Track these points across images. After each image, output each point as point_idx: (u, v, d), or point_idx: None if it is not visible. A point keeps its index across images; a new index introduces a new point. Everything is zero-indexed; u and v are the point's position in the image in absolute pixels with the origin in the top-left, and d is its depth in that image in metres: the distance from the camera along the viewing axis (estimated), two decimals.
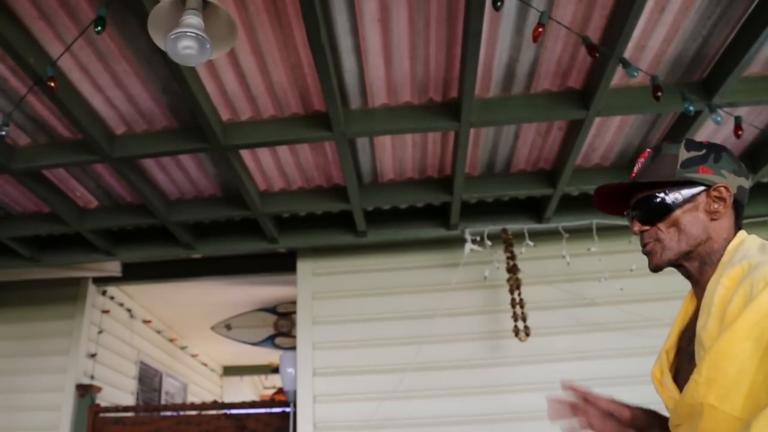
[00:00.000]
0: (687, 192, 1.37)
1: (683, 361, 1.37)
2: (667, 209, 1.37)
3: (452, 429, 3.76)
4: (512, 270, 3.71)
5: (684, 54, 2.74)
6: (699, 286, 1.38)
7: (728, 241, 1.35)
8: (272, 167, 3.43)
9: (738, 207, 1.38)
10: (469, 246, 3.75)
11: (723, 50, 2.70)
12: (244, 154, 3.24)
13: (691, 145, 1.40)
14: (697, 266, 1.37)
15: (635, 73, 2.41)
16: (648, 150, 1.45)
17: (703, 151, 1.39)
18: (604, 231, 3.76)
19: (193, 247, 4.04)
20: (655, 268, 1.41)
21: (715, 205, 1.35)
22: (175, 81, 2.49)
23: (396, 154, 3.34)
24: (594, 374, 3.74)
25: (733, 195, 1.36)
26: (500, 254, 3.83)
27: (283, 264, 4.42)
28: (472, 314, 3.99)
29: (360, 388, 3.89)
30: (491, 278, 3.91)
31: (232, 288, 5.27)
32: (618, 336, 3.79)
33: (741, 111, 2.95)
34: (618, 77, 2.76)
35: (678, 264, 1.39)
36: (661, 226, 1.38)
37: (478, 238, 3.81)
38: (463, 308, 3.99)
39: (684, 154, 1.39)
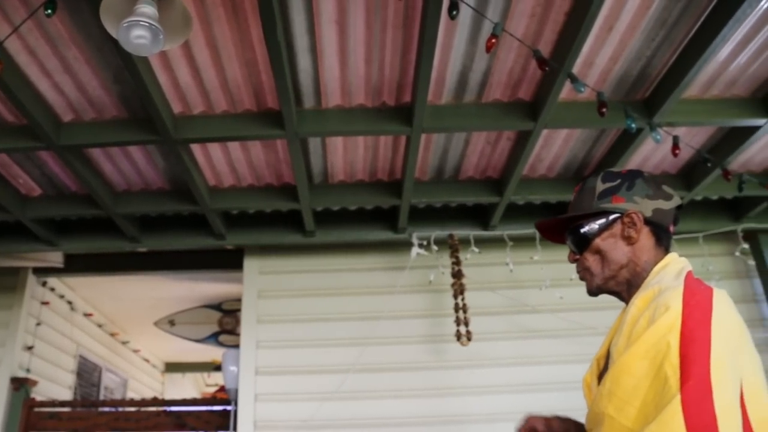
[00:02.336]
0: (602, 222, 1.51)
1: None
2: (587, 239, 1.51)
3: (393, 431, 3.80)
4: (457, 275, 3.77)
5: (629, 73, 2.85)
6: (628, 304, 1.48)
7: (652, 263, 1.46)
8: (223, 163, 3.40)
9: (658, 229, 1.48)
10: (415, 250, 3.80)
11: (665, 72, 2.82)
12: (195, 148, 3.21)
13: (608, 176, 1.54)
14: (625, 289, 1.49)
15: (582, 89, 2.50)
16: (579, 186, 1.60)
17: (618, 181, 1.53)
18: (547, 241, 3.85)
19: (139, 241, 3.97)
20: (590, 293, 1.55)
21: (629, 231, 1.47)
22: (126, 70, 2.45)
23: (347, 155, 3.37)
24: (532, 379, 3.83)
25: (648, 218, 1.47)
26: (446, 259, 3.88)
27: (229, 261, 4.38)
28: (416, 317, 4.04)
29: (302, 388, 3.88)
30: (436, 282, 3.96)
31: (177, 283, 5.19)
32: (556, 343, 3.90)
33: (679, 131, 3.08)
34: (566, 92, 2.85)
35: (608, 289, 1.52)
36: (587, 255, 1.51)
37: (424, 243, 3.87)
38: (407, 311, 4.03)
39: (600, 186, 1.53)
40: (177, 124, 2.91)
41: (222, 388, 5.80)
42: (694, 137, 3.31)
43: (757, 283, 4.20)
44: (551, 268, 3.85)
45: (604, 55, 2.71)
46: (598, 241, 1.49)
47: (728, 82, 2.97)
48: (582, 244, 1.51)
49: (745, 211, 4.00)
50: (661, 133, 2.88)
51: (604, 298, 1.55)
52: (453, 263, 3.81)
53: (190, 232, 3.99)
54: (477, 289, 3.88)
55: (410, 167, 3.21)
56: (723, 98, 3.06)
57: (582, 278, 1.54)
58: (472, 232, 3.93)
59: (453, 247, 3.84)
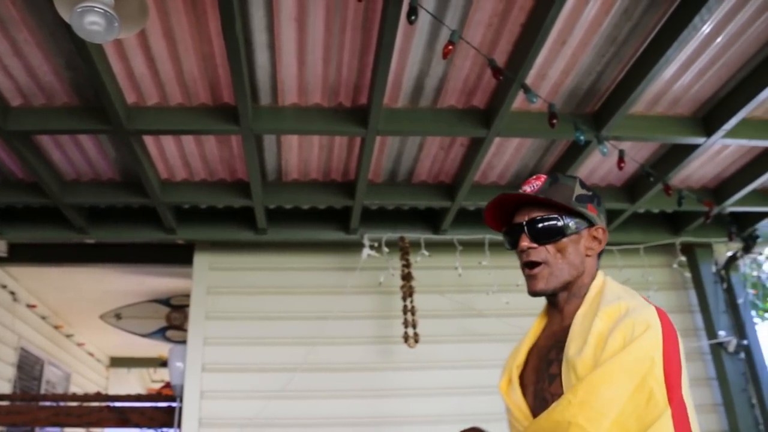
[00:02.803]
0: (578, 223, 1.48)
1: (532, 377, 1.49)
2: (560, 232, 1.46)
3: (339, 430, 3.81)
4: (406, 277, 3.82)
5: (579, 87, 2.94)
6: (561, 313, 1.50)
7: (592, 278, 1.49)
8: (176, 156, 3.37)
9: (600, 252, 1.54)
10: (366, 251, 3.83)
11: (613, 87, 2.93)
12: (148, 140, 3.16)
13: (583, 184, 1.53)
14: (566, 296, 1.49)
15: (534, 99, 2.57)
16: (543, 175, 1.53)
17: (591, 192, 1.53)
18: (496, 246, 3.94)
19: (87, 232, 3.89)
20: (534, 294, 1.49)
21: (593, 243, 1.49)
22: (79, 57, 2.40)
23: (302, 154, 3.38)
24: (478, 382, 3.87)
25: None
26: (396, 261, 3.92)
27: (179, 256, 4.32)
28: (365, 318, 4.06)
29: (249, 386, 3.86)
30: (386, 284, 4.00)
31: (125, 277, 5.09)
32: (502, 347, 3.91)
33: (625, 145, 3.19)
34: (519, 101, 2.92)
35: (557, 292, 1.49)
36: (550, 248, 1.46)
37: (376, 244, 3.90)
38: (356, 312, 4.05)
39: (578, 189, 1.51)
40: (130, 115, 2.87)
41: (168, 385, 5.70)
42: (638, 152, 3.43)
43: (692, 294, 4.37)
44: (498, 273, 3.93)
45: (557, 68, 2.79)
46: (566, 240, 1.46)
47: (672, 101, 3.09)
48: (550, 235, 1.46)
49: (684, 225, 4.16)
50: (608, 147, 2.99)
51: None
52: (403, 265, 3.85)
53: (139, 224, 3.93)
54: (426, 292, 3.93)
55: (364, 169, 3.24)
56: (667, 116, 3.19)
57: (534, 275, 1.47)
58: (422, 236, 3.98)
59: (403, 249, 3.88)
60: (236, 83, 2.56)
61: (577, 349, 1.33)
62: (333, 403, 3.86)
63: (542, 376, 1.44)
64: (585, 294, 1.46)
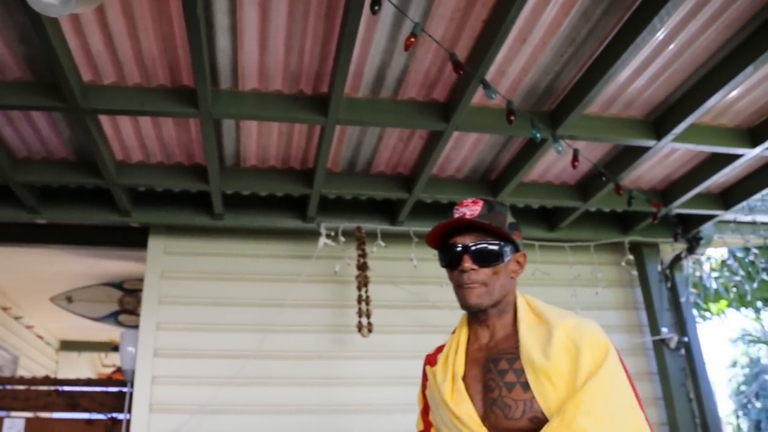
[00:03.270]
0: (509, 249, 1.64)
1: (477, 387, 1.60)
2: (499, 258, 1.61)
3: (291, 418, 3.82)
4: (362, 267, 3.84)
5: (538, 85, 3.00)
6: (489, 327, 1.66)
7: (514, 297, 1.67)
8: (132, 137, 3.31)
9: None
10: (323, 240, 3.84)
11: (570, 87, 2.99)
12: (103, 119, 3.10)
13: (512, 212, 1.69)
14: (495, 312, 1.65)
15: (493, 95, 2.61)
16: (479, 200, 1.65)
17: (516, 221, 1.69)
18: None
19: (38, 212, 3.80)
20: (470, 307, 1.62)
21: (517, 268, 1.67)
22: (34, 31, 2.33)
23: (261, 140, 3.36)
24: None
25: None
26: (352, 251, 3.94)
27: (133, 239, 4.25)
28: (320, 307, 4.07)
29: (201, 372, 3.83)
30: (341, 274, 4.02)
31: (77, 259, 4.99)
32: None
33: (579, 144, 3.27)
34: (478, 97, 2.96)
35: (488, 308, 1.63)
36: (487, 271, 1.60)
37: (332, 233, 3.91)
38: (311, 300, 4.06)
39: (509, 218, 1.66)
40: (85, 93, 2.81)
41: (119, 369, 5.62)
42: (592, 152, 3.52)
43: (638, 292, 4.51)
44: None
45: (517, 65, 2.84)
46: (502, 265, 1.61)
47: (626, 103, 3.18)
48: (490, 260, 1.60)
49: (632, 225, 4.29)
50: (563, 145, 3.06)
51: None
52: (359, 255, 3.87)
53: (93, 206, 3.85)
54: (381, 283, 3.97)
55: (323, 157, 3.25)
56: (620, 117, 3.28)
57: (471, 289, 1.60)
58: (379, 226, 4.00)
59: (360, 239, 3.90)
60: (196, 66, 2.53)
61: (543, 357, 1.49)
62: (286, 390, 3.87)
63: (495, 386, 1.55)
64: (512, 310, 1.65)
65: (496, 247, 1.60)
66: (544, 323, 1.58)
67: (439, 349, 1.81)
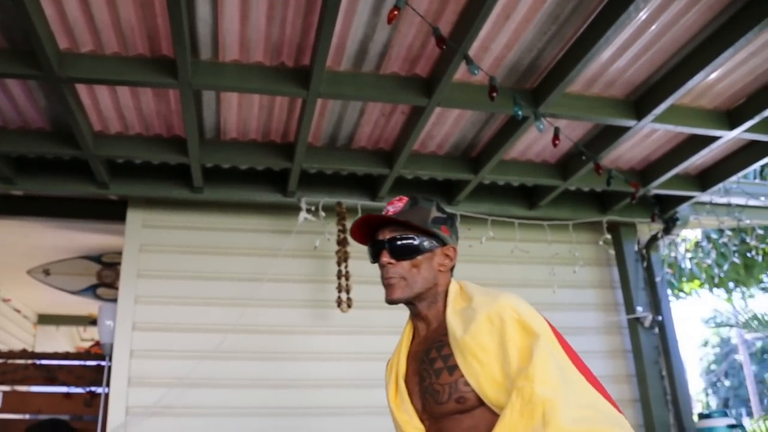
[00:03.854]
0: (431, 243, 1.67)
1: (415, 380, 1.65)
2: (416, 251, 1.65)
3: (269, 392, 3.83)
4: (342, 243, 3.84)
5: (520, 62, 2.99)
6: (424, 320, 1.70)
7: (446, 289, 1.70)
8: (110, 108, 3.25)
9: (452, 267, 1.75)
10: (303, 215, 3.83)
11: (553, 65, 3.00)
12: (81, 89, 3.03)
13: (439, 207, 1.72)
14: (425, 305, 1.68)
15: (476, 71, 2.61)
16: (405, 197, 1.71)
17: (446, 215, 1.72)
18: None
19: (14, 183, 3.73)
20: (392, 302, 1.66)
21: (445, 261, 1.70)
22: None
23: (241, 113, 3.33)
24: None
25: None
26: (332, 226, 3.94)
27: (112, 212, 4.20)
28: (299, 282, 4.07)
29: (180, 346, 3.82)
30: (321, 249, 4.02)
31: (55, 232, 4.93)
32: None
33: (560, 123, 3.28)
34: (461, 73, 2.95)
35: (410, 302, 1.68)
36: (406, 264, 1.64)
37: (313, 208, 3.90)
38: (290, 275, 4.06)
39: (434, 212, 1.70)
40: (62, 61, 2.74)
41: (97, 343, 5.61)
42: (573, 131, 3.54)
43: (615, 271, 4.58)
44: None
45: (500, 42, 2.84)
46: (421, 258, 1.65)
47: (607, 83, 3.20)
48: (407, 254, 1.64)
49: (611, 205, 4.34)
50: (545, 123, 3.07)
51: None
52: (339, 231, 3.87)
53: (70, 177, 3.78)
54: (361, 258, 3.92)
55: (304, 131, 3.23)
56: (602, 97, 3.30)
57: (391, 284, 1.64)
58: (360, 202, 4.00)
59: (340, 214, 3.89)
60: (176, 35, 2.48)
61: (467, 335, 1.51)
62: (265, 364, 3.88)
63: (426, 375, 1.60)
64: (444, 299, 1.68)
65: (412, 241, 1.64)
66: (470, 304, 1.61)
67: None
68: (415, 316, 1.72)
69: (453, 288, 1.70)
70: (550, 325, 1.56)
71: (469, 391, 1.49)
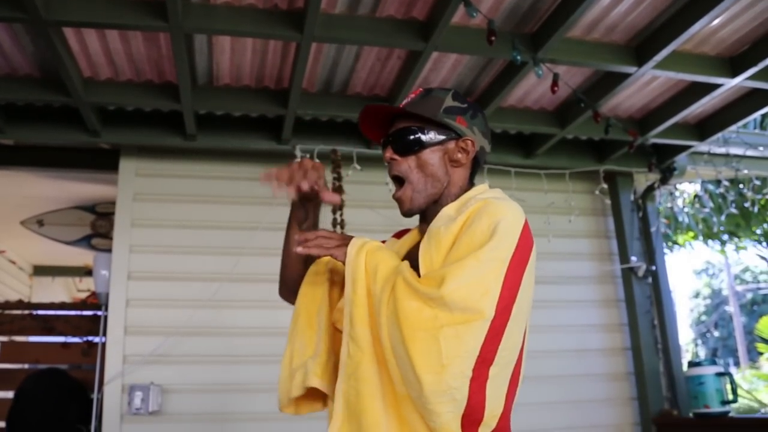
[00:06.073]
0: (441, 135, 1.49)
1: None
2: (420, 144, 1.48)
3: (265, 339, 3.84)
4: (337, 191, 3.80)
5: (520, 5, 2.92)
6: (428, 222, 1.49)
7: (463, 190, 1.52)
8: (99, 53, 3.17)
9: (475, 164, 1.56)
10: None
11: (554, 8, 2.93)
12: (68, 33, 2.94)
13: (457, 96, 1.54)
14: (435, 210, 1.48)
15: (474, 14, 2.55)
16: (420, 89, 1.55)
17: (465, 105, 1.53)
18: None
19: (3, 132, 3.65)
20: (408, 213, 1.51)
21: (459, 155, 1.51)
22: None
23: (234, 58, 3.25)
24: None
25: (476, 152, 1.53)
26: (327, 174, 3.87)
27: (105, 161, 4.14)
28: None
29: (176, 295, 3.83)
30: None
31: (47, 182, 4.87)
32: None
33: (560, 69, 3.22)
34: (459, 16, 2.87)
35: (424, 208, 1.51)
36: (411, 161, 1.48)
37: (307, 156, 3.86)
38: (285, 223, 4.00)
39: (449, 101, 1.51)
40: (48, 3, 2.64)
41: (93, 294, 5.62)
42: (572, 77, 3.48)
43: (610, 221, 4.58)
44: None
45: None
46: (427, 152, 1.48)
47: (608, 27, 3.13)
48: (410, 147, 1.48)
49: (608, 154, 4.31)
50: (544, 69, 3.02)
51: None
52: (334, 179, 3.83)
53: (61, 126, 3.71)
54: (356, 207, 3.93)
55: (298, 76, 3.16)
56: (602, 42, 3.23)
57: (399, 198, 1.51)
58: (355, 150, 3.95)
59: (335, 162, 3.85)
60: None
61: (441, 226, 1.36)
62: (260, 312, 3.89)
63: None
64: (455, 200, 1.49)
65: (415, 133, 1.48)
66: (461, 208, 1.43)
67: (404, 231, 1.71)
68: (424, 221, 1.54)
69: (475, 190, 1.51)
70: (525, 255, 1.34)
71: None
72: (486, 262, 1.26)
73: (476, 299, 1.23)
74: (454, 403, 1.22)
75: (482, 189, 1.53)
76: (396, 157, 1.50)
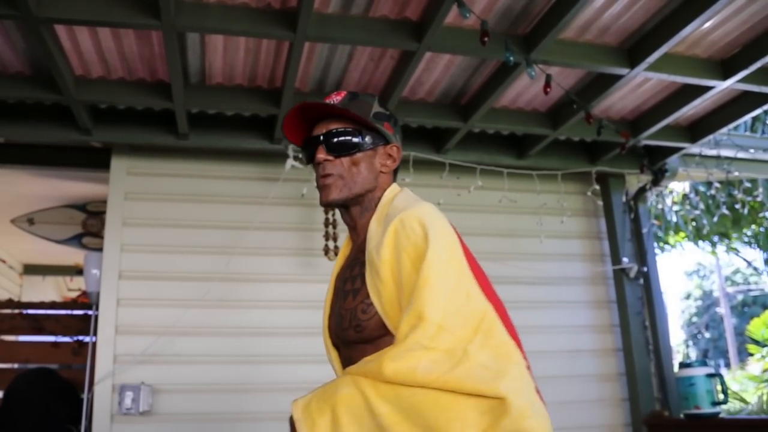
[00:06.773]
0: (374, 139, 1.52)
1: (333, 301, 1.54)
2: (356, 147, 1.49)
3: (256, 339, 3.85)
4: None
5: (513, 6, 2.92)
6: (356, 230, 1.55)
7: (385, 191, 1.54)
8: (91, 51, 3.15)
9: (396, 170, 1.60)
10: (290, 162, 3.77)
11: (546, 10, 2.93)
12: (60, 30, 2.92)
13: (382, 102, 1.57)
14: (359, 211, 1.53)
15: (467, 15, 2.55)
16: (343, 92, 1.55)
17: (389, 112, 1.57)
18: (419, 164, 3.97)
19: None
20: (327, 203, 1.51)
21: (387, 161, 1.54)
22: None
23: (227, 56, 3.24)
24: None
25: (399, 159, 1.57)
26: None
27: (96, 160, 4.12)
28: (286, 230, 4.05)
29: (167, 294, 3.81)
30: (308, 196, 3.97)
31: (38, 180, 4.85)
32: None
33: (552, 70, 3.22)
34: (452, 16, 2.86)
35: (346, 205, 1.53)
36: (345, 161, 1.49)
37: (300, 155, 3.84)
38: (277, 223, 4.03)
39: (376, 107, 1.54)
40: (40, 0, 2.64)
41: (84, 293, 5.60)
42: (564, 79, 3.48)
43: (602, 222, 4.60)
44: (420, 191, 3.95)
45: None
46: (361, 155, 1.50)
47: (601, 29, 3.13)
48: (346, 149, 1.48)
49: (600, 155, 4.32)
50: (536, 70, 3.02)
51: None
52: None
53: (52, 124, 3.69)
54: None
55: (291, 76, 3.15)
56: (595, 44, 3.24)
57: (327, 185, 1.49)
58: None
59: None
60: None
61: (376, 253, 1.36)
62: (251, 312, 3.89)
63: (337, 298, 1.50)
64: (376, 205, 1.51)
65: (352, 135, 1.48)
66: (386, 214, 1.44)
67: None
68: (350, 227, 1.58)
69: (388, 194, 1.51)
70: (463, 245, 1.37)
71: (367, 320, 1.35)
72: (443, 274, 1.27)
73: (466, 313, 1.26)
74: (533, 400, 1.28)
75: (393, 192, 1.53)
76: (330, 157, 1.49)
